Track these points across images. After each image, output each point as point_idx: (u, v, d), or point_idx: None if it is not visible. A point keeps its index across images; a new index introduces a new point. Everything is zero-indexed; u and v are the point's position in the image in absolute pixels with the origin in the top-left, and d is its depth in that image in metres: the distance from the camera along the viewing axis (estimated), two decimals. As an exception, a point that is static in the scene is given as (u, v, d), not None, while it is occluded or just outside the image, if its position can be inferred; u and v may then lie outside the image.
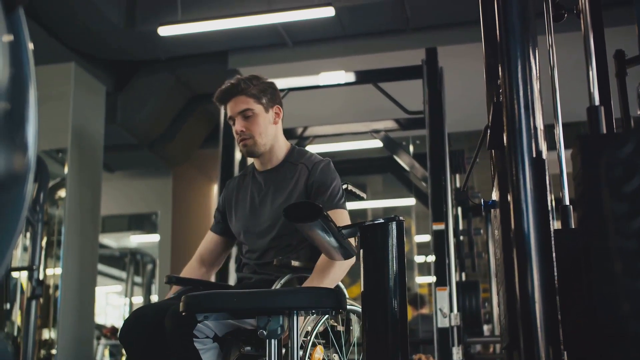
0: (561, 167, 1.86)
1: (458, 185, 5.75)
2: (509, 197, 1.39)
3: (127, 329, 2.11)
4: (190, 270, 2.48)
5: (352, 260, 2.11)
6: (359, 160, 6.57)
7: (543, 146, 1.40)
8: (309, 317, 2.10)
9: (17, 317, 5.43)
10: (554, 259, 1.34)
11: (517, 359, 1.36)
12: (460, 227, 5.75)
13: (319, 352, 2.07)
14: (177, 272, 2.50)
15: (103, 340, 7.69)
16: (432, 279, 4.36)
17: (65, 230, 5.80)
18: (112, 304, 11.19)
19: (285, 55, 6.87)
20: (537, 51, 1.45)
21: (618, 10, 5.81)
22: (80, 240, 6.02)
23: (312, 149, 5.59)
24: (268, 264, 2.29)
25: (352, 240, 1.89)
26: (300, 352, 1.97)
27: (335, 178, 2.33)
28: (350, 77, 5.07)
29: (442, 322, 4.12)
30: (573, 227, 1.82)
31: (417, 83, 4.86)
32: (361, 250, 1.79)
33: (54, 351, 5.63)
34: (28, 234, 5.11)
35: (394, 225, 1.76)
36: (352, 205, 5.91)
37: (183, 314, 1.86)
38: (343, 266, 2.14)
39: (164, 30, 5.79)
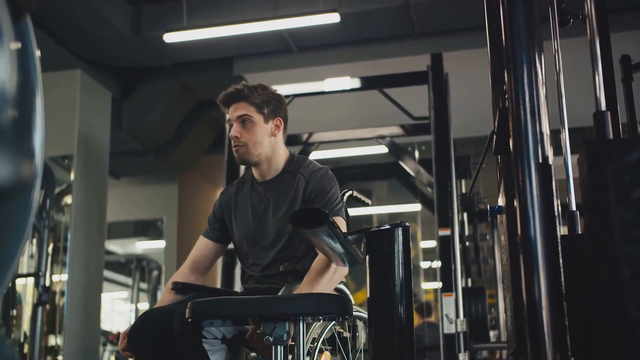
0: (567, 172, 1.85)
1: (464, 190, 5.74)
2: (516, 203, 1.39)
3: (135, 333, 2.10)
4: (183, 275, 2.43)
5: (346, 269, 2.09)
6: (365, 166, 6.57)
7: (549, 151, 1.40)
8: (315, 323, 2.09)
9: (23, 324, 5.44)
10: (561, 265, 1.34)
11: (524, 366, 1.36)
12: (466, 233, 5.74)
13: (326, 358, 2.07)
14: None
15: (109, 347, 7.69)
16: (438, 284, 4.35)
17: (72, 236, 5.81)
18: (118, 310, 11.21)
19: (290, 61, 6.88)
20: (542, 56, 1.45)
21: (624, 15, 5.82)
22: (86, 246, 6.04)
23: (318, 155, 5.61)
24: (274, 275, 2.29)
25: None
26: (307, 359, 1.97)
27: (333, 186, 2.30)
28: (355, 83, 5.07)
29: (448, 328, 4.10)
30: (580, 232, 1.81)
31: (423, 89, 4.86)
32: (367, 256, 1.78)
33: (60, 357, 5.64)
34: (34, 241, 5.12)
35: (399, 231, 1.76)
36: (357, 211, 5.92)
37: (189, 320, 1.86)
38: (336, 274, 2.11)
39: (170, 37, 5.81)
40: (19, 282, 5.45)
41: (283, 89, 2.39)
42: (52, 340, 5.72)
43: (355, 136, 5.34)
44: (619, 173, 1.24)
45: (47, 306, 5.24)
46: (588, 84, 1.79)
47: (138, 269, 10.17)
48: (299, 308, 1.81)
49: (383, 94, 5.06)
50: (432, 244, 8.31)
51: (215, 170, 8.53)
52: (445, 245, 4.31)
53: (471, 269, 5.73)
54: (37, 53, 0.83)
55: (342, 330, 2.26)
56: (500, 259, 5.51)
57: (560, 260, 1.34)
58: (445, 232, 4.34)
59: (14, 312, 5.37)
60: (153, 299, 9.82)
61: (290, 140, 4.90)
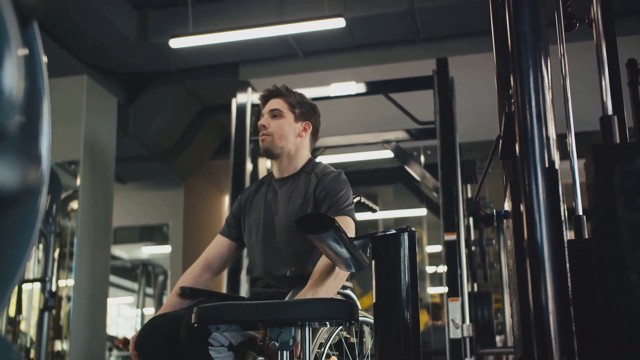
0: (574, 176, 1.85)
1: (470, 195, 5.73)
2: (522, 207, 1.38)
3: (142, 338, 2.11)
4: (193, 275, 2.42)
5: (346, 273, 2.10)
6: (370, 170, 6.57)
7: (555, 156, 1.40)
8: (322, 328, 2.09)
9: (29, 329, 5.45)
10: (568, 270, 1.33)
11: (532, 371, 1.35)
12: (472, 238, 5.73)
13: (333, 363, 2.07)
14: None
15: (115, 352, 7.69)
16: (444, 289, 4.34)
17: (78, 241, 5.82)
18: (124, 315, 11.22)
19: (296, 66, 6.89)
20: (548, 60, 1.45)
21: (630, 19, 5.80)
22: (92, 251, 6.05)
23: (323, 159, 5.61)
24: (282, 277, 2.29)
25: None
26: (313, 364, 1.96)
27: (344, 187, 2.32)
28: (360, 87, 5.07)
29: (454, 333, 4.09)
30: (586, 237, 1.80)
31: (428, 93, 4.85)
32: (373, 261, 1.78)
33: (66, 363, 5.64)
34: (41, 246, 5.14)
35: (405, 235, 1.76)
36: (363, 216, 5.91)
37: (195, 326, 1.86)
38: (339, 276, 2.11)
39: (175, 43, 5.83)
40: (26, 287, 5.46)
41: (288, 94, 2.43)
42: (58, 346, 5.73)
43: (361, 141, 5.33)
44: (626, 177, 1.23)
45: (54, 311, 5.25)
46: (594, 88, 1.78)
47: (144, 274, 10.18)
48: (304, 313, 1.81)
49: (388, 99, 5.06)
50: (438, 248, 8.28)
51: (221, 175, 8.54)
52: (451, 250, 4.30)
53: (477, 274, 5.72)
54: (44, 59, 0.83)
55: (349, 336, 2.25)
56: (507, 264, 5.50)
57: (567, 265, 1.34)
58: (451, 236, 4.34)
59: (20, 317, 5.39)
60: (159, 304, 9.82)
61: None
